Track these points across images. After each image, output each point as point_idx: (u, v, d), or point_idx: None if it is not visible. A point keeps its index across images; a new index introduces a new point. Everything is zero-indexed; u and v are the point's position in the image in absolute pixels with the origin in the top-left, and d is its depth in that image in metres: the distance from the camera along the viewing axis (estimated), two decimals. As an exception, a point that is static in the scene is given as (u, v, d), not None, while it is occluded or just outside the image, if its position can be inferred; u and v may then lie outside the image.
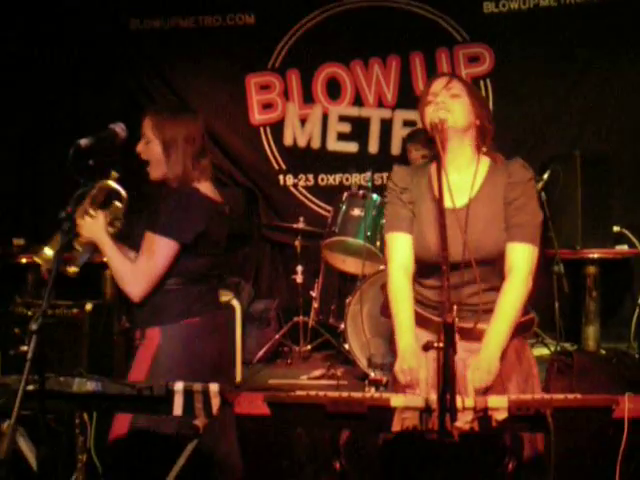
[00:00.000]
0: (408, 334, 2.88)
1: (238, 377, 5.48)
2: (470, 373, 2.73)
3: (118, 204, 3.43)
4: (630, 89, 6.93)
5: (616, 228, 6.43)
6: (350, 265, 6.08)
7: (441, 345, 2.26)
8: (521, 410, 2.35)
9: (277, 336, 6.42)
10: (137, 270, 3.20)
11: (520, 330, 2.96)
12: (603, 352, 6.05)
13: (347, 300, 5.67)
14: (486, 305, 2.83)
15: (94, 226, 3.31)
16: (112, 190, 3.34)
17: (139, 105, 7.61)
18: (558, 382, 4.59)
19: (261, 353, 6.25)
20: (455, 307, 2.56)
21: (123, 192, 3.33)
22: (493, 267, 2.90)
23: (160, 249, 3.20)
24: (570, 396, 2.40)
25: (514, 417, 2.36)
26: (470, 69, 7.29)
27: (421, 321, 2.96)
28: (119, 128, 3.04)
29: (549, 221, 5.95)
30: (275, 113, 7.59)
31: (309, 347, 6.41)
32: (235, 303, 5.65)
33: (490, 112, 3.08)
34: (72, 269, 3.29)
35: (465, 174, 2.97)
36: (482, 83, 7.26)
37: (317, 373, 5.78)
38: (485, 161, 3.03)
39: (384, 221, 3.27)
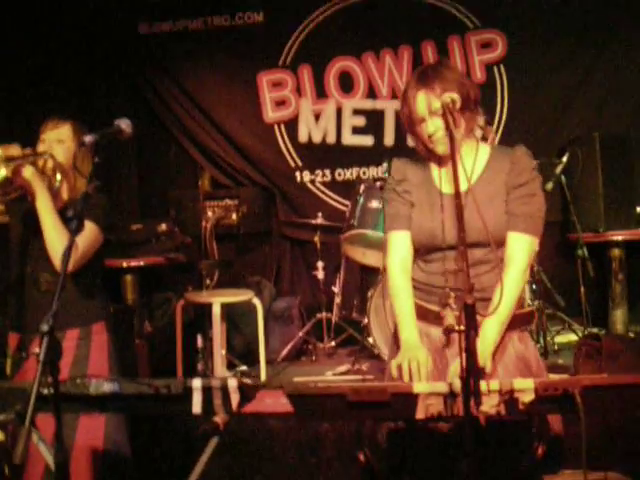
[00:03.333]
0: (409, 328, 2.86)
1: (262, 376, 5.45)
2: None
3: None
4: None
5: (639, 209, 6.33)
6: (370, 258, 6.01)
7: (462, 328, 2.19)
8: (548, 391, 2.27)
9: (300, 333, 6.36)
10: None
11: (520, 322, 2.92)
12: (632, 335, 5.97)
13: (369, 294, 5.61)
14: (484, 291, 2.79)
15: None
16: None
17: (150, 107, 7.62)
18: (587, 366, 4.51)
19: (285, 351, 6.20)
20: (452, 293, 2.61)
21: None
22: (497, 251, 2.84)
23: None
24: (598, 376, 2.33)
25: (541, 399, 2.29)
26: (483, 55, 7.22)
27: (423, 314, 2.92)
28: (124, 124, 2.99)
29: (570, 205, 5.88)
30: (289, 110, 7.55)
31: (333, 343, 6.35)
32: (256, 302, 5.62)
33: (474, 87, 2.97)
34: None
35: (466, 161, 2.91)
36: (495, 69, 7.19)
37: (342, 369, 5.74)
38: (485, 148, 2.99)
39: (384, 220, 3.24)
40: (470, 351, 2.14)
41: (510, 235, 2.84)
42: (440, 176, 2.98)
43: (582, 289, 5.77)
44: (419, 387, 2.35)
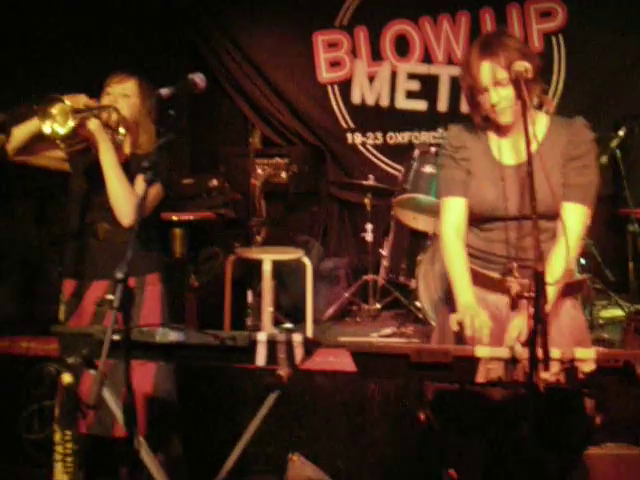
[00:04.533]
0: (467, 291, 2.89)
1: (309, 335, 5.51)
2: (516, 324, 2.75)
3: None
4: None
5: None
6: (421, 223, 6.02)
7: (532, 295, 2.23)
8: (610, 362, 2.31)
9: (347, 294, 6.42)
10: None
11: (572, 290, 2.98)
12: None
13: (418, 258, 5.64)
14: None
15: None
16: None
17: (207, 64, 7.64)
18: (636, 341, 4.53)
19: (331, 311, 6.26)
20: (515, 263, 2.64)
21: None
22: (553, 222, 2.87)
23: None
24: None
25: (601, 370, 2.32)
26: (542, 24, 7.13)
27: (482, 280, 2.95)
28: (198, 78, 3.04)
29: (624, 180, 5.84)
30: (343, 71, 7.54)
31: (379, 306, 6.39)
32: (305, 261, 5.67)
33: (536, 56, 2.97)
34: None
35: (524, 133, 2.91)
36: (554, 39, 7.10)
37: (388, 331, 5.79)
38: (543, 118, 2.99)
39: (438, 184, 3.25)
40: (540, 318, 2.17)
41: (565, 205, 2.86)
42: (499, 147, 3.00)
43: (631, 265, 5.74)
44: (481, 351, 2.40)
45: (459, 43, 7.25)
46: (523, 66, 2.77)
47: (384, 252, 6.30)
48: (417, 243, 6.03)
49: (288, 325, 5.91)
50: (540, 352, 2.28)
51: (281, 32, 7.62)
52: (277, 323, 5.90)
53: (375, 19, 7.45)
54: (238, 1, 7.65)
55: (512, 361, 2.37)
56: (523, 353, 2.37)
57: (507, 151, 2.98)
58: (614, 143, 5.75)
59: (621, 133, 5.81)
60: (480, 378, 2.39)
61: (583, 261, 5.50)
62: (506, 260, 2.88)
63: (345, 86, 7.55)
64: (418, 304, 5.62)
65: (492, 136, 3.03)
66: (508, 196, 2.87)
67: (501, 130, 2.99)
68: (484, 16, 7.22)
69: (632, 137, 6.02)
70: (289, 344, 2.58)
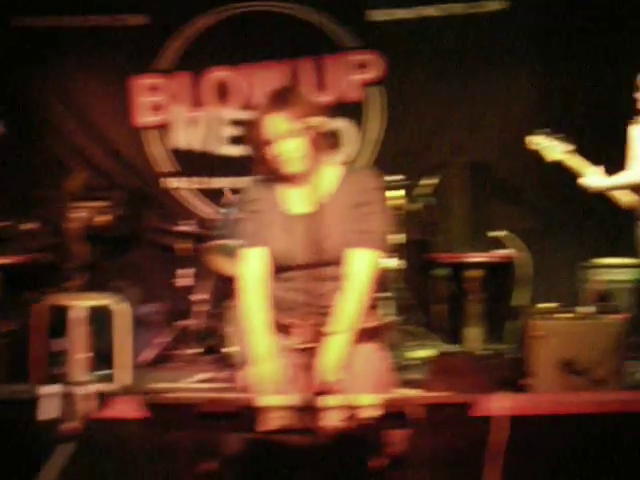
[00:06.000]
0: (262, 340, 2.93)
1: (123, 381, 5.42)
2: (313, 373, 2.81)
3: None
4: (512, 99, 7.15)
5: (498, 233, 6.62)
6: (232, 268, 6.06)
7: (307, 346, 2.28)
8: (391, 407, 2.39)
9: (164, 340, 6.36)
10: None
11: (373, 334, 3.03)
12: (485, 353, 6.22)
13: (232, 303, 5.66)
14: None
15: None
16: None
17: (21, 105, 7.46)
18: (439, 382, 4.69)
19: (148, 356, 6.18)
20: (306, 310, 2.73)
21: None
22: (341, 269, 2.96)
23: None
24: (434, 394, 2.46)
25: (383, 415, 2.40)
26: (360, 75, 7.38)
27: (281, 328, 3.01)
28: None
29: (433, 225, 6.09)
30: (162, 116, 7.54)
31: (196, 351, 6.36)
32: (120, 306, 5.59)
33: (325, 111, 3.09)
34: None
35: (315, 183, 3.01)
36: (372, 90, 7.35)
37: (203, 376, 5.77)
38: (335, 169, 3.08)
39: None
40: (314, 367, 2.23)
41: (351, 252, 2.93)
42: (289, 197, 3.07)
43: (439, 307, 5.97)
44: (268, 400, 2.43)
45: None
46: (312, 120, 2.86)
47: (200, 297, 6.30)
48: (230, 288, 6.05)
49: (103, 372, 5.83)
50: (326, 399, 2.33)
51: (101, 74, 7.55)
52: (93, 370, 5.77)
53: (196, 64, 7.50)
54: (57, 42, 7.52)
55: (299, 409, 2.42)
56: (310, 401, 2.42)
57: (297, 201, 3.04)
58: (426, 190, 6.00)
59: (432, 181, 6.08)
60: (269, 426, 2.42)
61: (392, 302, 5.69)
62: (307, 308, 2.94)
63: (164, 131, 7.55)
64: (230, 349, 5.64)
65: (281, 187, 3.08)
66: (298, 245, 2.94)
67: (291, 181, 3.05)
68: (304, 65, 7.40)
69: (443, 185, 6.30)
70: (79, 396, 2.54)
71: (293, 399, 2.43)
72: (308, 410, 2.39)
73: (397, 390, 3.21)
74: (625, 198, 5.25)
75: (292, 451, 2.53)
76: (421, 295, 6.64)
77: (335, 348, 2.87)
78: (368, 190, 3.01)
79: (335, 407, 2.40)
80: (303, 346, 2.87)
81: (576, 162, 5.34)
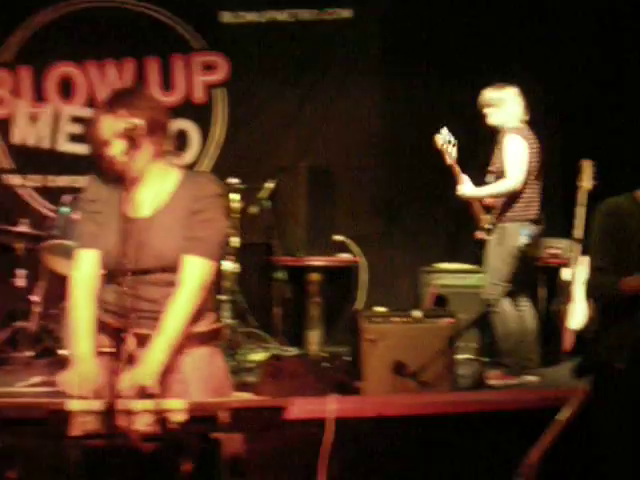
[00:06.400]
0: (84, 342, 2.91)
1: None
2: (130, 376, 2.77)
3: None
4: (355, 105, 7.30)
5: (338, 237, 6.75)
6: (69, 269, 5.95)
7: (130, 351, 2.28)
8: (198, 412, 2.40)
9: (-1, 342, 6.17)
10: None
11: (206, 339, 3.04)
12: (323, 355, 6.33)
13: (66, 304, 5.56)
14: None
15: None
16: None
17: None
18: (269, 386, 4.73)
19: (-19, 359, 6.00)
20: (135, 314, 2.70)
21: None
22: (175, 275, 2.96)
23: None
24: (246, 398, 2.50)
25: (193, 419, 2.41)
26: (206, 77, 7.37)
27: (101, 327, 2.99)
28: None
29: (273, 229, 6.15)
30: (3, 110, 7.31)
31: (30, 353, 6.19)
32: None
33: (164, 113, 3.08)
34: None
35: (154, 185, 3.01)
36: (217, 91, 7.35)
37: (37, 380, 5.62)
38: (175, 173, 3.07)
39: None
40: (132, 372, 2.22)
41: (185, 258, 2.92)
42: (127, 199, 3.03)
43: (278, 310, 6.03)
44: (74, 404, 2.40)
45: (125, 90, 7.27)
46: (132, 122, 2.84)
47: (36, 298, 6.14)
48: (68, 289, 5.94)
49: None
50: (135, 403, 2.33)
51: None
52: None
53: (39, 59, 7.32)
54: None
55: (107, 413, 2.40)
56: (119, 405, 2.40)
57: (135, 204, 3.01)
58: (264, 194, 6.05)
59: (270, 185, 6.14)
60: (76, 431, 2.39)
61: (230, 305, 5.72)
62: (138, 313, 2.92)
63: (4, 126, 7.32)
64: (66, 351, 5.52)
65: (121, 188, 3.03)
66: (132, 249, 2.89)
67: (129, 183, 3.01)
68: (150, 64, 7.33)
69: (282, 189, 6.37)
70: None
71: (102, 403, 2.41)
72: (118, 414, 2.37)
73: (231, 394, 3.22)
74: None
75: (99, 456, 2.52)
76: (262, 298, 6.69)
77: (156, 353, 2.85)
78: (206, 197, 2.99)
79: (143, 411, 2.40)
80: (126, 351, 2.84)
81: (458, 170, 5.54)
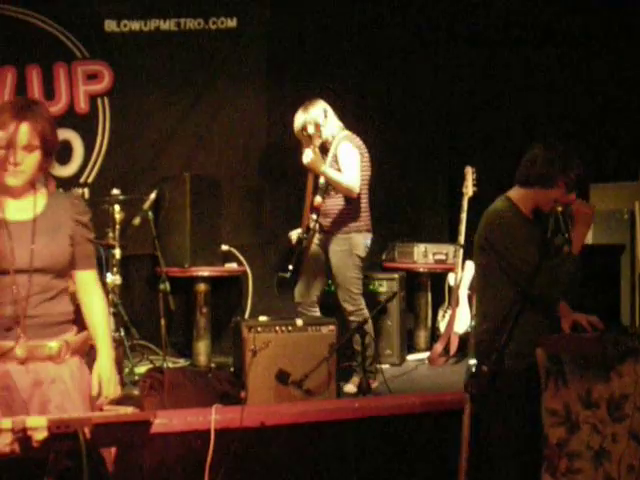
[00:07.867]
0: None
1: None
2: (104, 388, 3.00)
3: None
4: (240, 116, 7.34)
5: (225, 247, 6.76)
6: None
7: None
8: (60, 428, 2.38)
9: None
10: None
11: (80, 350, 3.09)
12: (211, 366, 6.32)
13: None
14: (50, 316, 2.98)
15: None
16: None
17: None
18: (151, 398, 4.69)
19: None
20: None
21: None
22: (61, 280, 3.03)
23: None
24: (110, 413, 2.49)
25: (54, 436, 2.39)
26: (89, 86, 7.23)
27: None
28: None
29: (155, 240, 6.10)
30: None
31: None
32: None
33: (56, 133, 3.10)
34: None
35: (31, 196, 3.06)
36: (100, 101, 7.24)
37: None
38: (46, 188, 3.13)
39: None
40: None
41: (79, 273, 3.11)
42: (7, 204, 3.02)
43: (163, 321, 5.98)
44: None
45: (3, 97, 7.09)
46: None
47: None
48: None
49: None
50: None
51: None
52: None
53: None
54: None
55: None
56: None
57: (14, 209, 3.02)
58: (146, 205, 6.01)
59: (153, 196, 6.10)
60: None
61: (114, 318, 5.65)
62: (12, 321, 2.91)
63: None
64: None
65: (4, 196, 3.05)
66: (14, 251, 2.93)
67: (9, 190, 3.00)
68: (31, 73, 7.14)
69: (165, 199, 6.34)
70: None
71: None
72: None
73: (108, 407, 3.20)
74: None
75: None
76: (149, 310, 6.64)
77: (107, 356, 3.08)
78: (86, 213, 3.14)
79: (3, 431, 2.36)
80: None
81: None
